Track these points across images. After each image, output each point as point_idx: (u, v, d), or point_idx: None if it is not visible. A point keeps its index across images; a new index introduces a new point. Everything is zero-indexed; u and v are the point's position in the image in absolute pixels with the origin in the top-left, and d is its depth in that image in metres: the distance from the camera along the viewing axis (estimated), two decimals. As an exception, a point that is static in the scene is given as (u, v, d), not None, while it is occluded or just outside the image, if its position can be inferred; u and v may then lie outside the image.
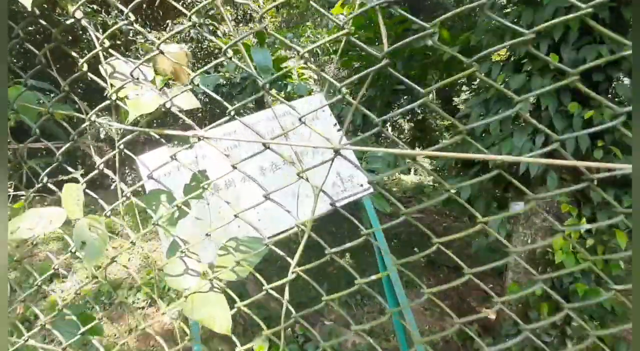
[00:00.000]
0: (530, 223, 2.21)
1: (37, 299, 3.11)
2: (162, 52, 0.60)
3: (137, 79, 0.65)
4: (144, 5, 5.85)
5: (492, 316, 3.10)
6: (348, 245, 0.72)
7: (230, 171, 0.65)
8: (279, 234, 0.81)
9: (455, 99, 8.59)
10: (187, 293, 0.75)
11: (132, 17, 0.62)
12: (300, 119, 0.57)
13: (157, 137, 0.71)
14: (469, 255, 4.31)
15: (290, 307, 0.72)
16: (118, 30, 0.72)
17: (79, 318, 0.98)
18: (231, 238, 0.83)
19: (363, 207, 1.99)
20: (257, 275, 0.75)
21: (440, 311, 3.53)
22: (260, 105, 3.43)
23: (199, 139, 0.64)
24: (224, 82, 3.32)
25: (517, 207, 2.17)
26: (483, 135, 2.24)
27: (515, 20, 2.32)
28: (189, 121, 0.64)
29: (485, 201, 2.23)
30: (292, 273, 0.69)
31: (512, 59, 2.33)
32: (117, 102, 0.67)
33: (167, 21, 4.42)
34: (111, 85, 0.68)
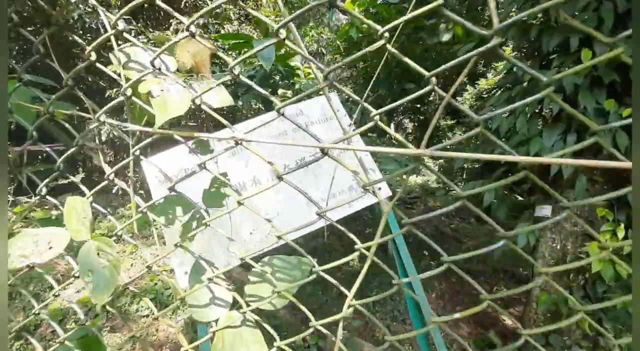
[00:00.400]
0: (559, 228, 2.08)
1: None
2: (193, 35, 0.46)
3: (159, 69, 0.52)
4: (145, 5, 5.71)
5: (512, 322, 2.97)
6: (426, 274, 0.60)
7: (276, 182, 0.52)
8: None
9: (459, 98, 8.49)
10: (216, 329, 0.62)
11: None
12: (378, 120, 0.44)
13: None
14: (482, 259, 4.18)
15: (343, 347, 0.59)
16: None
17: (82, 346, 0.84)
18: (264, 261, 0.70)
19: (374, 209, 1.86)
20: (303, 307, 0.62)
21: (455, 320, 3.40)
22: (268, 105, 3.27)
23: (237, 143, 0.51)
24: (231, 82, 3.16)
25: (544, 210, 2.03)
26: (509, 134, 2.10)
27: (541, 15, 2.20)
28: (225, 122, 0.51)
29: (508, 205, 2.10)
30: (349, 307, 0.56)
31: (537, 54, 2.18)
32: (134, 98, 0.54)
33: (170, 21, 4.28)
34: (125, 78, 0.54)
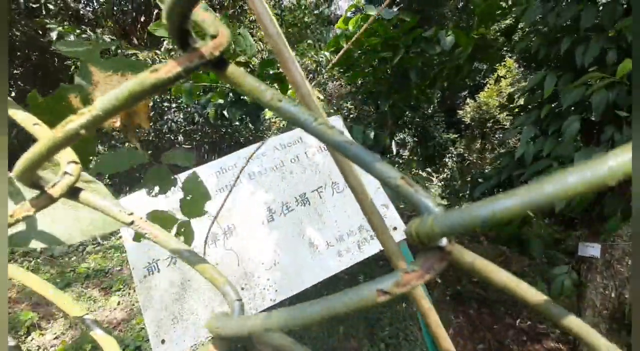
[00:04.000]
0: (612, 271, 1.84)
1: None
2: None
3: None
4: (138, 26, 5.79)
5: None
6: None
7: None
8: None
9: (460, 112, 8.47)
10: None
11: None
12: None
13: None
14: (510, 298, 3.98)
15: None
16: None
17: None
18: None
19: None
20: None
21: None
22: (257, 123, 3.11)
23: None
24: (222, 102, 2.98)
25: (591, 249, 1.83)
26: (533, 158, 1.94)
27: (569, 22, 2.06)
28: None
29: (544, 241, 1.93)
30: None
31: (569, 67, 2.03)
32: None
33: (162, 39, 4.29)
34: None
